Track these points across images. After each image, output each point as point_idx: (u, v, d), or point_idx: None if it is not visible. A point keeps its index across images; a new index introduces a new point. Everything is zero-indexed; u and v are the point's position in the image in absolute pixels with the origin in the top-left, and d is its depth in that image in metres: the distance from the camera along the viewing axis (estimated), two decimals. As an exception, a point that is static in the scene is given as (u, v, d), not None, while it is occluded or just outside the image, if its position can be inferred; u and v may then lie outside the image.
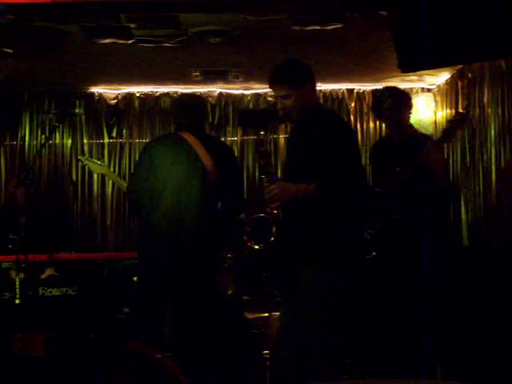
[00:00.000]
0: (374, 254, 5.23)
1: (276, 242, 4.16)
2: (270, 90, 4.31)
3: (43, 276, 5.38)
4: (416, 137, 5.04)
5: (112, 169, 8.30)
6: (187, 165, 4.84)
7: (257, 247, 4.24)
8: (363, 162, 5.03)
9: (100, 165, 5.87)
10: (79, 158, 5.84)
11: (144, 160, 4.96)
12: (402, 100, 5.04)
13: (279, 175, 4.45)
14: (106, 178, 8.23)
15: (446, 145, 7.29)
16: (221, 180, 4.89)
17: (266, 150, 4.42)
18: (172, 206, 4.79)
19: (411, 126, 5.17)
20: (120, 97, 8.38)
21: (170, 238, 4.77)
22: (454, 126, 4.82)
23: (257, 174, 8.36)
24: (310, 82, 4.21)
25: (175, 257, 4.77)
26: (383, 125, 8.33)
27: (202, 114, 5.24)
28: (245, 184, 8.37)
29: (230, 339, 5.44)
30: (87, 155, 6.63)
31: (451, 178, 7.12)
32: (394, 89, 5.26)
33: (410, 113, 5.12)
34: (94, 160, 5.90)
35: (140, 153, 5.43)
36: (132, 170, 5.69)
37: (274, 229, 4.10)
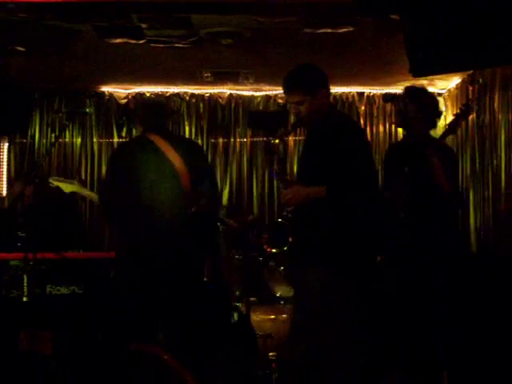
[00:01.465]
0: (379, 258, 5.22)
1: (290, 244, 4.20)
2: (282, 92, 4.31)
3: (51, 274, 5.38)
4: (427, 139, 4.99)
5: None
6: (157, 167, 4.82)
7: (275, 251, 4.30)
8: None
9: (70, 183, 5.83)
10: (49, 180, 5.80)
11: (114, 166, 4.96)
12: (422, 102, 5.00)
13: (288, 177, 4.46)
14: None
15: (456, 150, 7.30)
16: (194, 177, 4.90)
17: (280, 156, 4.42)
18: (148, 209, 4.78)
19: (425, 127, 5.07)
20: (130, 96, 8.40)
21: (149, 240, 4.78)
22: (458, 117, 4.82)
23: (266, 176, 8.37)
24: (323, 87, 4.20)
25: (157, 260, 4.76)
26: (393, 128, 8.35)
27: (167, 115, 5.28)
28: (254, 185, 8.40)
29: (235, 341, 5.44)
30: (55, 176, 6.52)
31: (460, 183, 7.06)
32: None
33: (422, 115, 5.04)
34: (62, 179, 5.85)
35: (108, 159, 5.46)
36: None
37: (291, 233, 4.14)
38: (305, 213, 4.14)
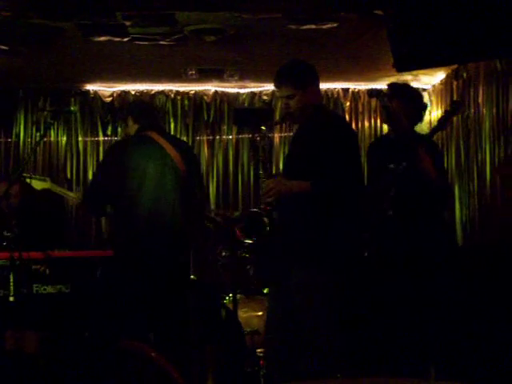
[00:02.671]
0: (366, 254, 5.22)
1: (270, 240, 4.19)
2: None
3: (37, 273, 5.37)
4: (412, 134, 4.99)
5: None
6: (160, 162, 4.92)
7: (249, 241, 4.27)
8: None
9: (42, 180, 5.75)
10: (24, 175, 5.69)
11: (115, 161, 4.98)
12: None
13: (274, 171, 4.46)
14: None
15: (441, 144, 7.33)
16: (188, 174, 5.02)
17: (265, 149, 4.43)
18: (151, 202, 4.85)
19: (410, 122, 5.05)
20: (115, 95, 8.37)
21: (151, 233, 4.83)
22: (449, 114, 4.82)
23: (251, 172, 8.36)
24: (314, 83, 4.25)
25: (158, 252, 4.83)
26: (378, 124, 8.36)
27: (158, 115, 5.41)
28: (239, 182, 8.40)
29: (222, 338, 5.44)
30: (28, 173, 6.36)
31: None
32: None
33: (406, 110, 5.02)
34: (36, 176, 5.77)
35: (107, 155, 5.48)
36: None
37: (266, 223, 4.12)
38: (288, 210, 4.14)
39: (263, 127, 4.40)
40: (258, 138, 4.46)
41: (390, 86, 5.09)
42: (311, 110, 4.22)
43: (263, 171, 4.30)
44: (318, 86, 4.32)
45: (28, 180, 5.54)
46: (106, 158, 5.41)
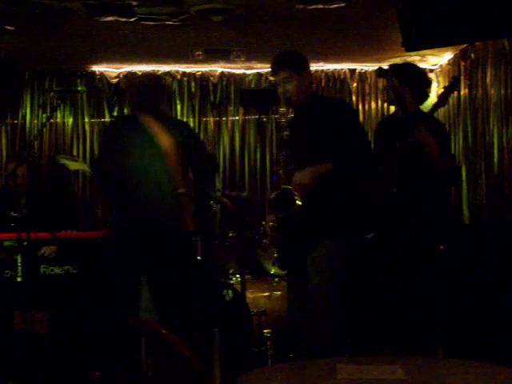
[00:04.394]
0: (372, 234, 5.23)
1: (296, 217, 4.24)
2: (273, 76, 4.47)
3: (45, 254, 5.38)
4: (417, 114, 4.97)
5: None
6: (145, 148, 4.89)
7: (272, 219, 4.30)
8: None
9: (76, 161, 5.80)
10: (54, 156, 5.73)
11: (106, 144, 5.02)
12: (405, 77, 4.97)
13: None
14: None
15: (449, 125, 7.32)
16: (186, 157, 4.99)
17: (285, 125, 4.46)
18: (139, 188, 4.87)
19: (415, 101, 5.02)
20: (121, 75, 8.35)
21: (137, 218, 4.86)
22: (447, 90, 4.82)
23: (258, 154, 8.35)
24: (307, 70, 4.45)
25: (145, 237, 4.84)
26: (385, 105, 8.33)
27: (159, 93, 5.28)
28: (246, 163, 8.39)
29: (230, 318, 5.46)
30: (61, 153, 6.24)
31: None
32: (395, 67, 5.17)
33: (408, 89, 4.98)
34: (68, 156, 5.82)
35: (102, 137, 5.41)
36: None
37: (296, 200, 4.15)
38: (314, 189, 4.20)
39: (283, 108, 4.41)
40: (265, 119, 4.52)
41: (391, 66, 5.08)
42: (308, 95, 4.40)
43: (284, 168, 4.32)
44: (311, 74, 4.54)
45: (62, 161, 5.59)
46: (101, 141, 5.36)
